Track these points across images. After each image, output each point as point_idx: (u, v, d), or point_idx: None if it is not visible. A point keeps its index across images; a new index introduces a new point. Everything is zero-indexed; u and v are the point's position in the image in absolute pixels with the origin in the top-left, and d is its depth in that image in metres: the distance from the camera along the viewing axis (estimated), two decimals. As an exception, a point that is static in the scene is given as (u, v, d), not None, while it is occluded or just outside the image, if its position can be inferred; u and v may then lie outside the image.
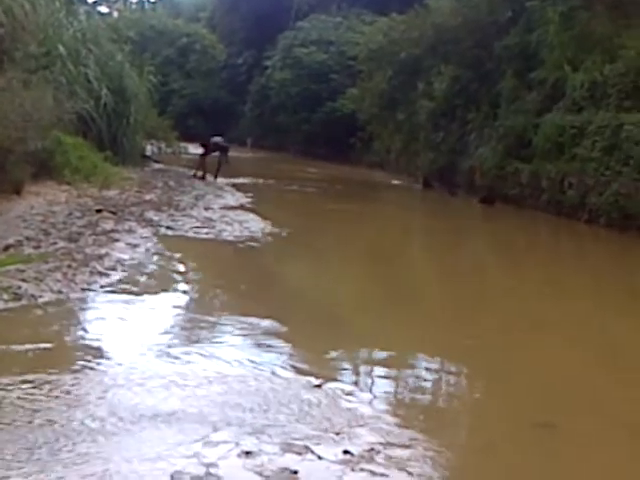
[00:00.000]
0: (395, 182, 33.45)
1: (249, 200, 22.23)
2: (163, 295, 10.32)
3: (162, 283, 11.20)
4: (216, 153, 27.56)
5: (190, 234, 15.30)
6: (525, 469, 5.81)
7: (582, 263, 16.64)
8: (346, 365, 8.05)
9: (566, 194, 22.03)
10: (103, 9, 37.36)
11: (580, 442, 6.34)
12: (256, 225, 16.84)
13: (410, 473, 5.34)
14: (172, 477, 4.99)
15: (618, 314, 11.50)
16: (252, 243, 14.86)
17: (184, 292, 10.77)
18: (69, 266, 10.70)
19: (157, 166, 30.46)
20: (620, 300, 12.59)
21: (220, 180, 26.92)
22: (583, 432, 6.55)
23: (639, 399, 7.39)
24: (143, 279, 11.33)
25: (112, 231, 14.10)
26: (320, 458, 5.44)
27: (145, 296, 10.10)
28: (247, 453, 5.41)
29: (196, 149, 28.77)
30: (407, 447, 5.77)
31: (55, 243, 12.29)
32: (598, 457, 6.06)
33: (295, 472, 5.19)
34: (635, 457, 6.09)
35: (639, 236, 18.21)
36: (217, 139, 28.10)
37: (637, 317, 11.42)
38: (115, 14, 40.02)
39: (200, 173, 27.23)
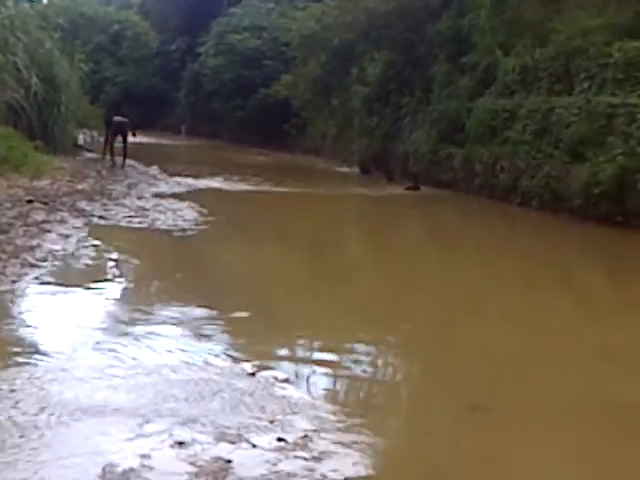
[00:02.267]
0: (339, 169, 33.31)
1: (183, 188, 22.11)
2: (96, 286, 10.18)
3: (95, 274, 11.07)
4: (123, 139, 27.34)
5: (123, 223, 15.17)
6: (461, 452, 5.84)
7: (516, 245, 16.81)
8: (281, 353, 8.03)
9: (499, 178, 22.25)
10: (32, -4, 36.65)
11: (517, 424, 6.40)
12: (190, 213, 16.74)
13: (344, 459, 5.34)
14: (104, 470, 4.92)
15: (551, 295, 11.65)
16: (186, 232, 14.76)
17: (117, 282, 10.65)
18: (-1, 258, 10.55)
19: (89, 155, 30.13)
20: (553, 281, 12.77)
21: (152, 168, 26.72)
22: (519, 414, 6.60)
23: (573, 382, 7.47)
24: (75, 270, 11.21)
25: (43, 222, 13.91)
26: (254, 446, 5.41)
27: (77, 287, 9.98)
28: (180, 443, 5.36)
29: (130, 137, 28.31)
30: (342, 433, 5.76)
31: (-16, 235, 12.11)
32: (534, 440, 6.11)
33: (229, 461, 5.15)
34: (567, 441, 6.16)
35: (570, 218, 18.44)
36: (119, 118, 27.79)
37: (570, 298, 11.61)
38: (44, 1, 39.35)
39: (109, 157, 27.02)
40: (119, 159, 27.06)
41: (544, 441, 5.97)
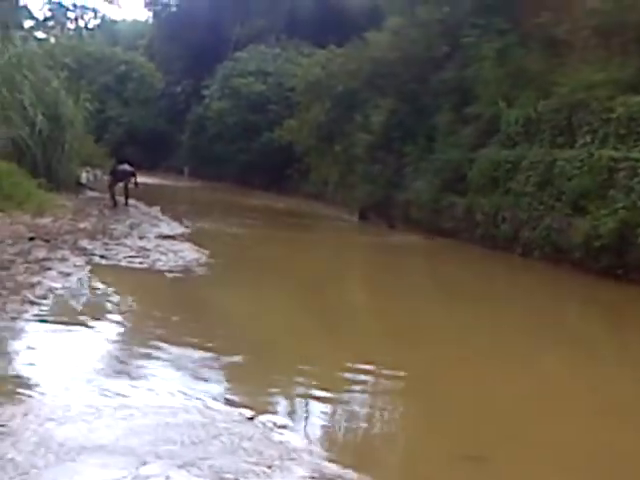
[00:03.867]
0: (340, 215, 33.35)
1: (184, 230, 22.12)
2: (95, 325, 10.17)
3: (94, 313, 11.05)
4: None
5: (124, 263, 15.17)
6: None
7: (517, 298, 16.73)
8: (280, 397, 8.00)
9: (500, 228, 22.27)
10: (40, 35, 37.03)
11: (511, 474, 6.37)
12: (191, 255, 16.74)
13: (341, 507, 5.32)
14: (100, 511, 4.90)
15: (550, 345, 11.60)
16: (186, 273, 14.76)
17: (116, 322, 10.64)
18: (-1, 294, 10.54)
19: (92, 194, 30.17)
20: (552, 331, 12.71)
21: (154, 208, 26.79)
22: (516, 464, 6.57)
23: (570, 431, 7.45)
24: (75, 309, 11.19)
25: (44, 259, 13.91)
26: (251, 492, 5.40)
27: (77, 326, 9.96)
28: (177, 487, 5.34)
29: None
30: (339, 481, 5.74)
31: (-15, 271, 12.10)
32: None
33: (225, 506, 5.13)
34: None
35: (572, 270, 18.43)
36: (124, 166, 27.73)
37: (568, 348, 11.55)
38: (52, 40, 39.54)
39: (111, 201, 26.83)
40: (121, 199, 27.04)
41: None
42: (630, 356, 11.45)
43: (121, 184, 26.92)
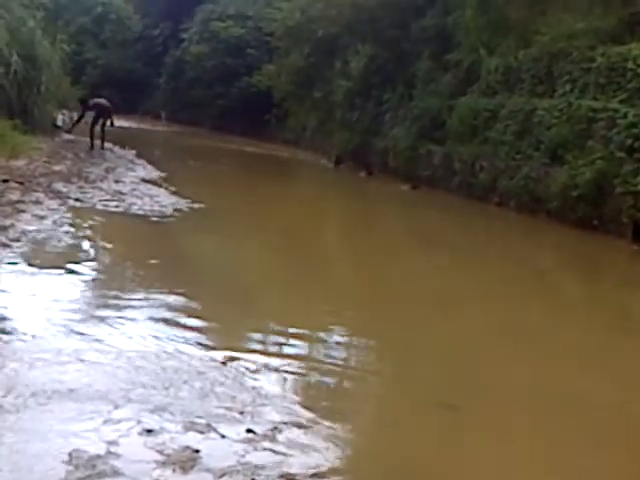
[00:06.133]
0: (317, 162, 33.23)
1: (161, 174, 21.96)
2: (69, 268, 10.08)
3: (68, 256, 10.97)
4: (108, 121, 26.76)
5: (99, 207, 15.06)
6: (426, 450, 5.84)
7: (492, 247, 16.79)
8: (254, 343, 7.98)
9: (478, 177, 22.27)
10: (16, -26, 36.30)
11: (483, 424, 6.39)
12: (167, 199, 16.65)
13: (312, 452, 5.31)
14: (71, 456, 4.86)
15: (524, 295, 11.66)
16: (162, 218, 14.67)
17: (90, 266, 10.55)
18: (-29, 237, 10.44)
19: (68, 137, 29.86)
20: (526, 282, 12.77)
21: (131, 152, 26.59)
22: (486, 413, 6.60)
23: (545, 383, 7.48)
24: (49, 252, 11.12)
25: (18, 202, 13.77)
26: (223, 437, 5.38)
27: (50, 269, 9.88)
28: (148, 431, 5.31)
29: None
30: (311, 426, 5.73)
31: (-42, 213, 11.99)
32: (499, 439, 6.12)
33: (197, 451, 5.11)
34: (536, 441, 6.15)
35: (548, 220, 18.49)
36: (99, 100, 27.25)
37: (542, 299, 11.61)
38: (28, -21, 38.95)
39: (90, 142, 26.42)
40: (97, 142, 26.78)
41: (510, 442, 5.98)
42: (602, 305, 11.53)
43: (98, 126, 26.59)
